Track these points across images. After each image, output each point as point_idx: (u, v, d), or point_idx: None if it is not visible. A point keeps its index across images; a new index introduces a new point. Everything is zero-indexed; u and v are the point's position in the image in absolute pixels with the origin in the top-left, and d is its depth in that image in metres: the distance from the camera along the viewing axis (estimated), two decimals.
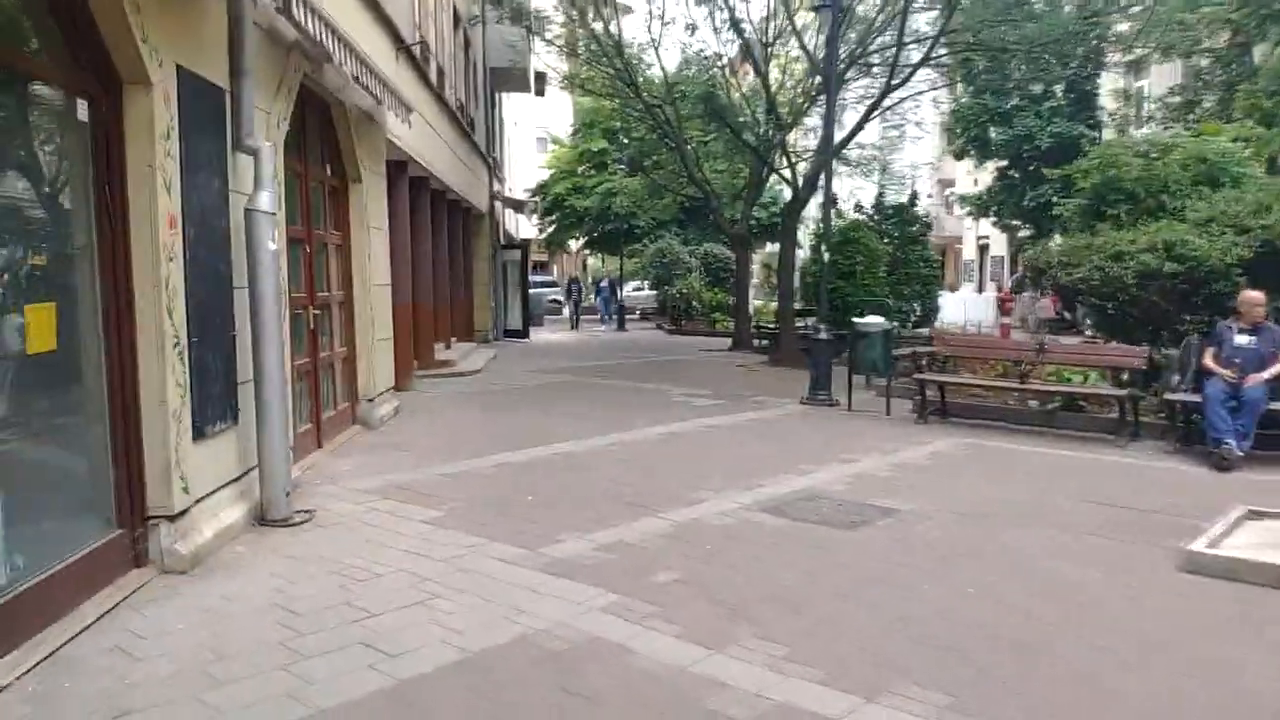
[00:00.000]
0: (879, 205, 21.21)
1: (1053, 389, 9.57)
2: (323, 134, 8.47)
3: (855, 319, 10.32)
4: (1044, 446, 8.66)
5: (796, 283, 19.63)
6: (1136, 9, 13.90)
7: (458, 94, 17.11)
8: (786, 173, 17.07)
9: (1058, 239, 12.23)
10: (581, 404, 11.17)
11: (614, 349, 20.23)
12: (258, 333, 5.64)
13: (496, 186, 23.52)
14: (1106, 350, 9.55)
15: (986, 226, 38.28)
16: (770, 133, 17.04)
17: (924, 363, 10.05)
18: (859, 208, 21.58)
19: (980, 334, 17.49)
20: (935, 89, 20.67)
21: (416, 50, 12.21)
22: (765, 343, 19.48)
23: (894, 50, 15.75)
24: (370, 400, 9.21)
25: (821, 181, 12.41)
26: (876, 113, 16.41)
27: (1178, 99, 21.58)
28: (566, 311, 31.10)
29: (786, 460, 7.73)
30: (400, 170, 11.95)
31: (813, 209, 24.29)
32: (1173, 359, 9.38)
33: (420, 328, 13.59)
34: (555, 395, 12.04)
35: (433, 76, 13.80)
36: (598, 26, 17.73)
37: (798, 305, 20.54)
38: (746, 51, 16.80)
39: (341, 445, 8.24)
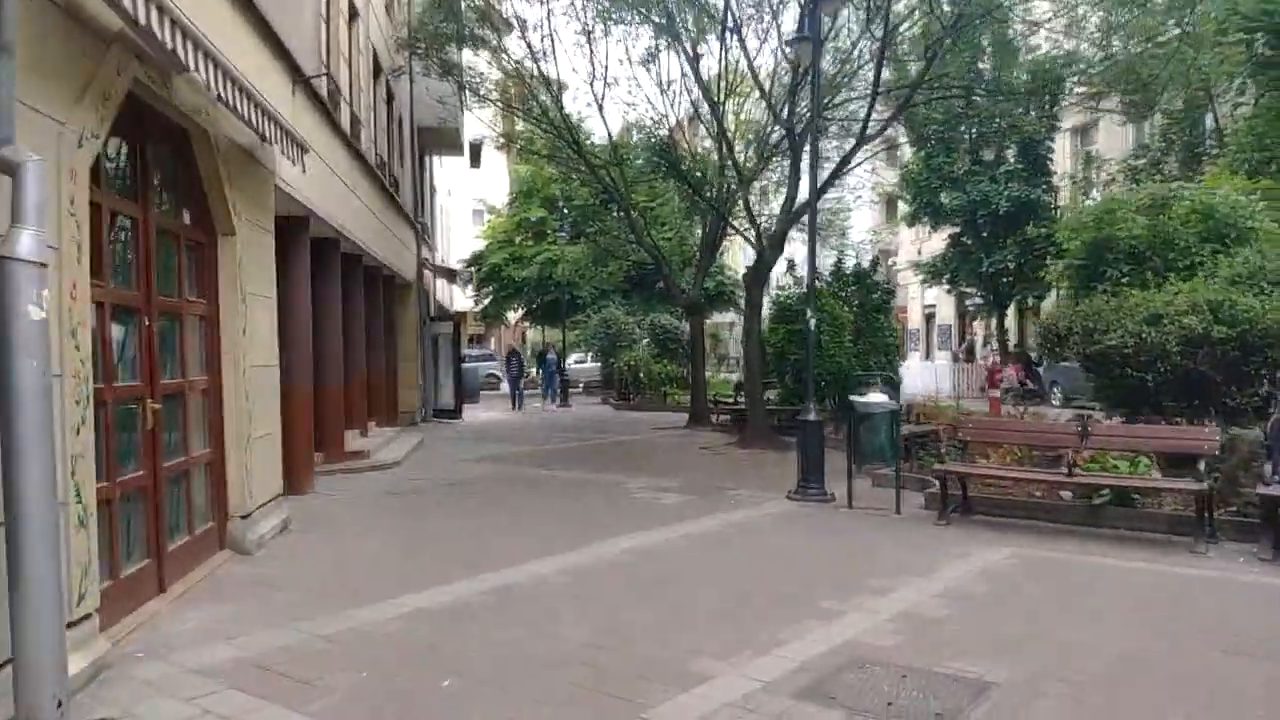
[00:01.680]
0: (838, 272, 19.80)
1: (1104, 481, 7.85)
2: (179, 171, 6.49)
3: (855, 397, 8.55)
4: (1106, 555, 6.91)
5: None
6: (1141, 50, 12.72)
7: (378, 150, 15.28)
8: (749, 233, 15.43)
9: (1063, 300, 10.69)
10: (522, 508, 9.11)
11: (558, 429, 18.17)
12: (11, 450, 3.57)
13: (426, 254, 21.59)
14: (1166, 432, 7.89)
15: (932, 294, 37.61)
16: (730, 188, 15.42)
17: (943, 450, 8.30)
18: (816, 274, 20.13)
19: (959, 407, 15.91)
20: (893, 147, 19.45)
21: (322, 86, 10.37)
22: (725, 419, 17.68)
23: (859, 103, 14.54)
24: (245, 516, 7.04)
25: (802, 225, 10.82)
26: (847, 168, 15.01)
27: (1142, 160, 20.86)
28: (505, 388, 28.06)
29: (802, 591, 5.81)
30: (298, 227, 9.97)
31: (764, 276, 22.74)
32: (1241, 440, 7.80)
33: (326, 415, 11.45)
34: (490, 495, 9.95)
35: (344, 123, 11.94)
36: (543, 98, 16.18)
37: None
38: (704, 104, 15.28)
39: (197, 585, 6.05)
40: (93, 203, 4.84)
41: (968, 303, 36.13)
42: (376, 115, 15.39)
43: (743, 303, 36.81)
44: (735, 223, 16.70)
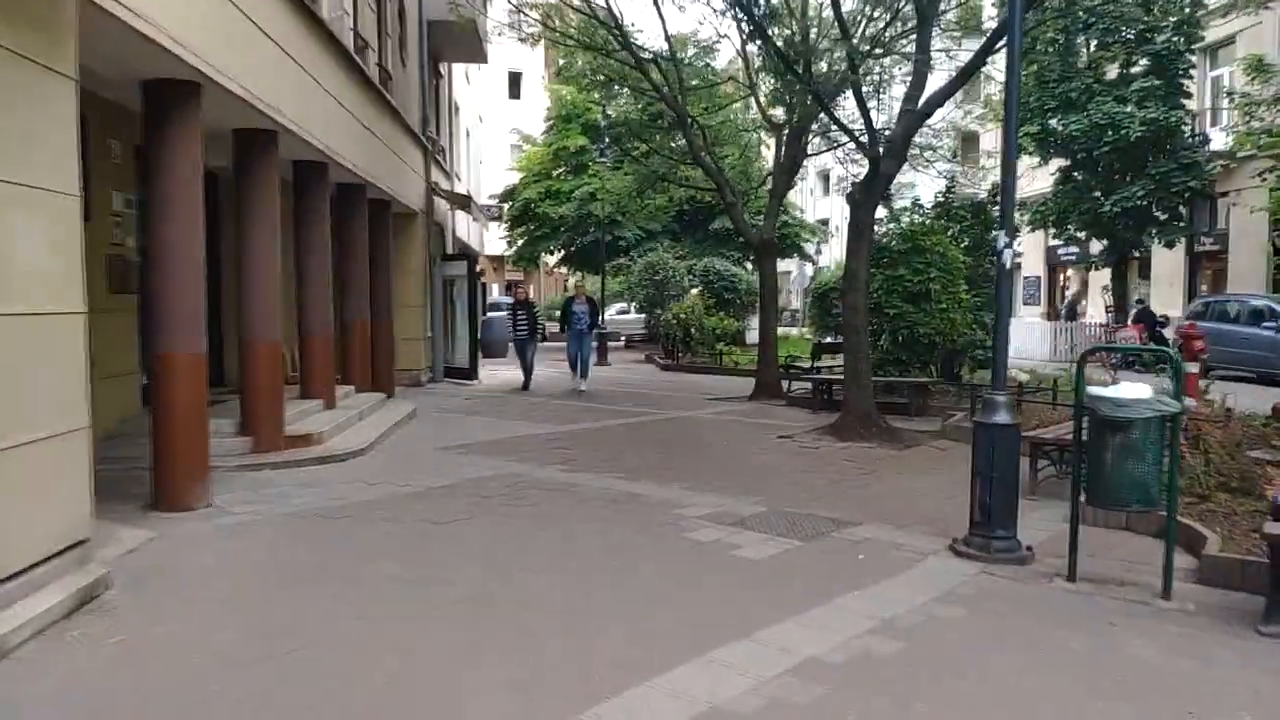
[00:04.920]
0: (946, 204, 15.79)
1: None
2: None
3: (1097, 390, 4.84)
4: None
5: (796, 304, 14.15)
6: None
7: (360, 30, 11.65)
8: (858, 132, 11.05)
9: None
10: (510, 566, 5.50)
11: (590, 397, 14.60)
12: None
13: (440, 179, 18.01)
14: None
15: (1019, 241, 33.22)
16: (845, 66, 10.96)
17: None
18: (918, 206, 16.18)
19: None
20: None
21: None
22: (801, 388, 13.97)
23: None
24: None
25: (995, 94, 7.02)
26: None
27: None
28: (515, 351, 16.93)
29: None
30: (180, 96, 6.40)
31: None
32: None
33: (257, 385, 8.02)
34: (464, 527, 6.30)
35: None
36: None
37: (825, 340, 15.15)
38: None
39: None
40: None
41: (1061, 251, 31.75)
42: None
43: (808, 249, 32.69)
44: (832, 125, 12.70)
